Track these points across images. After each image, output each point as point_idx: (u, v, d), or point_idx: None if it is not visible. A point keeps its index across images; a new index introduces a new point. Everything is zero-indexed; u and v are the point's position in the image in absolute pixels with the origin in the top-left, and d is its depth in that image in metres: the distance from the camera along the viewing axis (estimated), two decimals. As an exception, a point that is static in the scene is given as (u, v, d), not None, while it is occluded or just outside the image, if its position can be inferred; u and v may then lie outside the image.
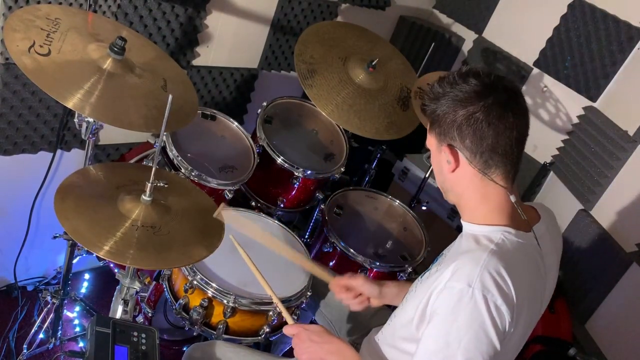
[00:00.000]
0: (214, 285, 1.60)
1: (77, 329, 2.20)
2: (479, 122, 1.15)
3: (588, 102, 2.47)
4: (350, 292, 1.57)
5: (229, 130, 2.16)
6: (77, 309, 2.20)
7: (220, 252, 1.47)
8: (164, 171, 1.79)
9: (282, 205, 2.19)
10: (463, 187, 1.24)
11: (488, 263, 1.11)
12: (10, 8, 1.70)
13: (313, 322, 1.91)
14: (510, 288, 1.10)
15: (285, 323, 1.76)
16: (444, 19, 3.09)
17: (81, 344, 2.08)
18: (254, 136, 2.16)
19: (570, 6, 2.50)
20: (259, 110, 2.18)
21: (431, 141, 1.27)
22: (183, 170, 1.86)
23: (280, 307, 1.49)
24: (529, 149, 2.84)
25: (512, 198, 1.21)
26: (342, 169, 2.22)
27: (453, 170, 1.22)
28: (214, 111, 2.13)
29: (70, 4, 1.82)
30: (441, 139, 1.22)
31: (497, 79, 1.19)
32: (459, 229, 1.36)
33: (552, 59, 2.59)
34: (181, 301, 1.67)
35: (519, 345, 1.26)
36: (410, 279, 2.03)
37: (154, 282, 1.89)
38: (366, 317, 1.73)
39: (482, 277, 1.09)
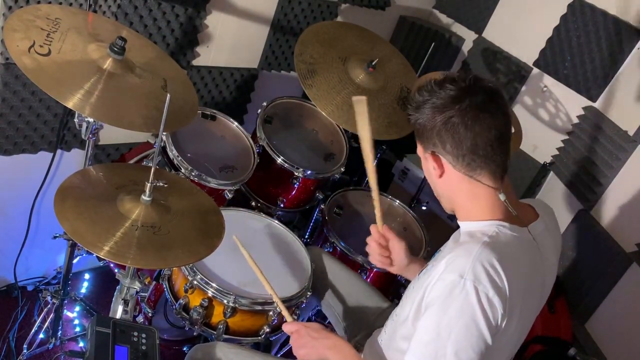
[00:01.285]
0: (214, 285, 1.60)
1: (77, 329, 2.20)
2: (456, 125, 1.17)
3: (588, 102, 2.48)
4: (382, 247, 1.55)
5: (229, 130, 2.16)
6: (77, 309, 2.20)
7: (220, 252, 1.47)
8: (164, 171, 1.79)
9: (282, 205, 2.19)
10: (453, 190, 1.26)
11: (480, 254, 1.12)
12: (10, 8, 1.70)
13: (318, 311, 1.92)
14: (503, 280, 1.10)
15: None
16: (444, 19, 3.09)
17: (81, 344, 2.08)
18: (254, 136, 2.16)
19: (570, 6, 2.50)
20: (259, 110, 2.18)
21: (419, 149, 1.30)
22: (183, 170, 1.86)
23: (280, 305, 1.50)
24: (529, 149, 2.86)
25: (502, 196, 1.22)
26: (342, 169, 2.22)
27: (440, 176, 1.25)
28: (214, 111, 2.13)
29: (70, 4, 1.82)
30: (425, 147, 1.25)
31: (475, 81, 1.19)
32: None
33: (552, 59, 2.59)
34: (181, 301, 1.67)
35: (516, 342, 1.26)
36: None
37: (154, 282, 1.89)
38: (371, 317, 1.73)
39: (474, 269, 1.10)
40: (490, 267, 1.10)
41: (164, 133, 1.87)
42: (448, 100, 1.18)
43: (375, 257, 1.56)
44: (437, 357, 1.10)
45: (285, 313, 1.49)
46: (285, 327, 1.45)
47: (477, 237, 1.18)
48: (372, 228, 1.56)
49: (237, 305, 1.60)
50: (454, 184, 1.24)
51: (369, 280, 2.05)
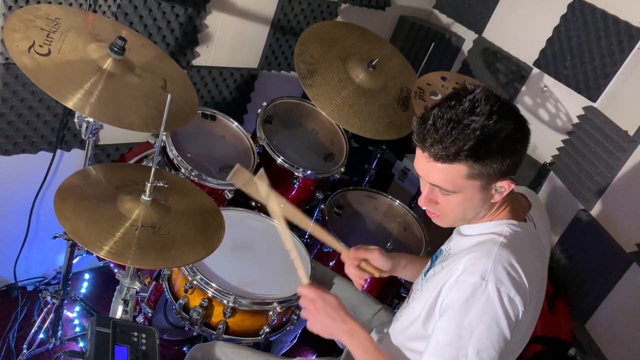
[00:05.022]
0: (213, 285, 1.60)
1: (77, 329, 2.20)
2: (517, 141, 1.13)
3: (588, 102, 2.47)
4: (360, 270, 1.53)
5: (229, 130, 2.16)
6: (77, 309, 2.20)
7: (220, 252, 1.47)
8: (164, 171, 1.79)
9: (282, 206, 2.18)
10: (494, 206, 1.22)
11: (500, 256, 1.13)
12: (10, 8, 1.70)
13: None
14: (522, 278, 1.12)
15: (284, 324, 1.77)
16: (444, 19, 3.09)
17: (81, 344, 2.08)
18: (254, 136, 2.16)
19: (570, 6, 2.50)
20: (259, 110, 2.18)
21: (470, 185, 1.15)
22: (183, 170, 1.86)
23: (296, 262, 1.43)
24: (529, 149, 2.84)
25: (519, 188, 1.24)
26: (342, 169, 2.22)
27: (503, 196, 1.19)
28: (214, 111, 2.13)
29: (70, 4, 1.82)
30: (496, 176, 1.14)
31: (483, 89, 1.14)
32: (459, 229, 1.35)
33: (552, 59, 2.59)
34: (181, 301, 1.67)
35: (529, 331, 1.27)
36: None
37: (154, 282, 1.89)
38: (367, 317, 1.73)
39: (496, 270, 1.11)
40: (511, 267, 1.12)
41: (164, 133, 1.87)
42: (497, 118, 1.09)
43: (357, 280, 1.54)
44: (459, 358, 1.11)
45: (301, 272, 1.43)
46: (301, 290, 1.38)
47: (492, 237, 1.19)
48: (343, 256, 1.55)
49: (237, 305, 1.60)
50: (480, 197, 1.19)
51: (368, 281, 2.05)
